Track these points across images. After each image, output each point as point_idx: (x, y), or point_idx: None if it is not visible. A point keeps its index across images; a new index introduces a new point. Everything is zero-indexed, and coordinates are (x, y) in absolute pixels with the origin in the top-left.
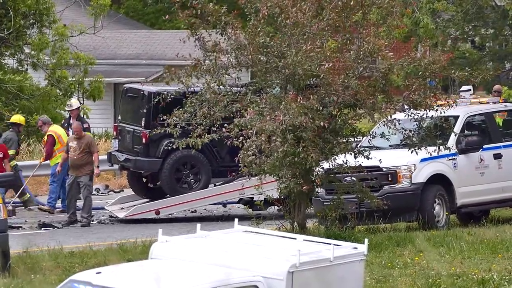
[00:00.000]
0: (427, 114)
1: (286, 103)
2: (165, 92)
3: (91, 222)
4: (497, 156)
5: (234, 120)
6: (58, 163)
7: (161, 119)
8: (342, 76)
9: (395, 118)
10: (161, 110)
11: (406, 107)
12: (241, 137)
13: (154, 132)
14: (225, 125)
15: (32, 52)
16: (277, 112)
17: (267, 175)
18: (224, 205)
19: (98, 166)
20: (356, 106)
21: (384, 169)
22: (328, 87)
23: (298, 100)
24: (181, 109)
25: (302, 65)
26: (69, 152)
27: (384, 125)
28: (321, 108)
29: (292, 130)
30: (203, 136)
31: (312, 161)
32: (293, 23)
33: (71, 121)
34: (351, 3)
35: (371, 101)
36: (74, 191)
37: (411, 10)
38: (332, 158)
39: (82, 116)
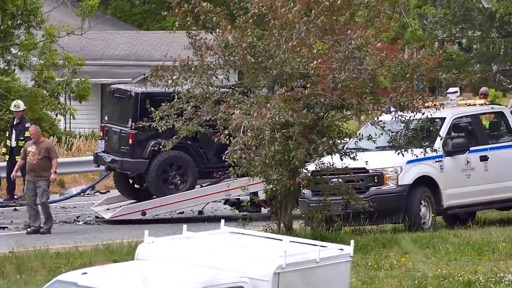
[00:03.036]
0: (414, 116)
1: (274, 100)
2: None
3: (77, 223)
4: (484, 158)
5: (219, 115)
6: None
7: (148, 110)
8: (330, 75)
9: (381, 120)
10: (147, 110)
11: (392, 109)
12: (226, 131)
13: (139, 125)
14: (211, 121)
15: (20, 53)
16: (264, 110)
17: (254, 176)
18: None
19: (55, 172)
20: (343, 108)
21: (371, 171)
22: (316, 87)
23: (285, 94)
24: (168, 104)
25: (290, 63)
26: (28, 157)
27: (372, 125)
28: (308, 108)
29: (279, 128)
30: (190, 126)
31: (296, 160)
32: (280, 23)
33: (14, 123)
34: (338, 3)
35: (358, 102)
36: (33, 197)
37: (398, 14)
38: (317, 158)
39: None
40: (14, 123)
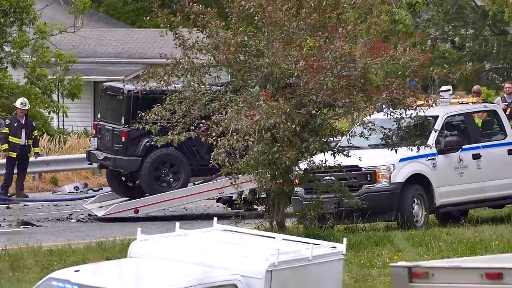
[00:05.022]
0: (405, 113)
1: (261, 102)
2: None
3: (70, 220)
4: (476, 157)
5: (212, 117)
6: None
7: (140, 115)
8: (318, 75)
9: (370, 121)
10: (140, 108)
11: (384, 106)
12: (214, 134)
13: (132, 127)
14: (203, 122)
15: (12, 50)
16: (252, 112)
17: (246, 174)
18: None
19: None
20: (334, 106)
21: (363, 169)
22: (306, 86)
23: (269, 100)
24: (160, 106)
25: (279, 65)
26: None
27: (360, 125)
28: (297, 107)
29: (268, 129)
30: (180, 134)
31: (286, 159)
32: (269, 23)
33: (22, 122)
34: (324, 4)
35: (348, 101)
36: None
37: (388, 6)
38: (309, 156)
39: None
40: (23, 122)
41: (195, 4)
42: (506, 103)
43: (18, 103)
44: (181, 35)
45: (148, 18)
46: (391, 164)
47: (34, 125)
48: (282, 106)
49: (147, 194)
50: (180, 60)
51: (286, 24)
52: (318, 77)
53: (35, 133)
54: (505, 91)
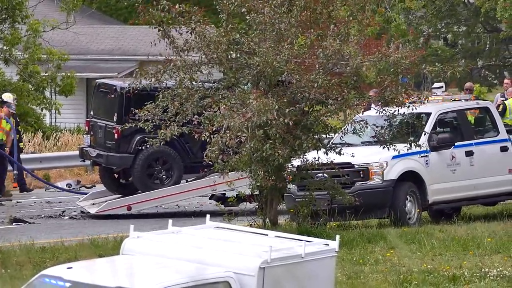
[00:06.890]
0: (398, 111)
1: (252, 100)
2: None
3: (63, 217)
4: (469, 154)
5: (204, 113)
6: None
7: (133, 112)
8: (309, 73)
9: (362, 120)
10: (133, 105)
11: (373, 105)
12: (207, 132)
13: (125, 126)
14: (195, 117)
15: (4, 47)
16: (244, 109)
17: (239, 171)
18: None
19: None
20: (326, 103)
21: (356, 166)
22: (298, 84)
23: (260, 97)
24: (152, 104)
25: (270, 63)
26: None
27: (348, 124)
28: (290, 104)
29: (261, 126)
30: (173, 129)
31: (278, 157)
32: (259, 22)
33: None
34: (313, 5)
35: (340, 98)
36: None
37: (383, 8)
38: (302, 154)
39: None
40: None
41: (176, 8)
42: (503, 99)
43: (11, 98)
44: (170, 34)
45: (131, 22)
46: (383, 161)
47: (18, 120)
48: (271, 103)
49: (139, 191)
50: (171, 58)
51: (277, 22)
52: (309, 75)
53: (19, 128)
54: (504, 87)
